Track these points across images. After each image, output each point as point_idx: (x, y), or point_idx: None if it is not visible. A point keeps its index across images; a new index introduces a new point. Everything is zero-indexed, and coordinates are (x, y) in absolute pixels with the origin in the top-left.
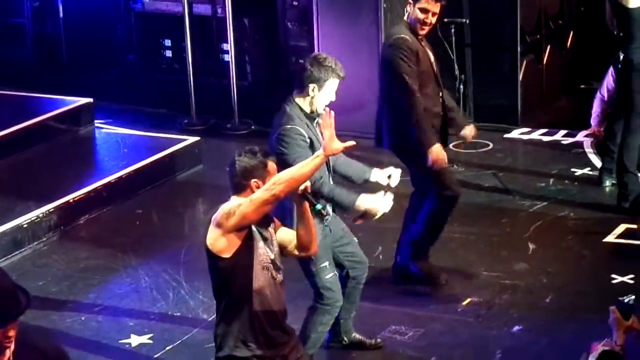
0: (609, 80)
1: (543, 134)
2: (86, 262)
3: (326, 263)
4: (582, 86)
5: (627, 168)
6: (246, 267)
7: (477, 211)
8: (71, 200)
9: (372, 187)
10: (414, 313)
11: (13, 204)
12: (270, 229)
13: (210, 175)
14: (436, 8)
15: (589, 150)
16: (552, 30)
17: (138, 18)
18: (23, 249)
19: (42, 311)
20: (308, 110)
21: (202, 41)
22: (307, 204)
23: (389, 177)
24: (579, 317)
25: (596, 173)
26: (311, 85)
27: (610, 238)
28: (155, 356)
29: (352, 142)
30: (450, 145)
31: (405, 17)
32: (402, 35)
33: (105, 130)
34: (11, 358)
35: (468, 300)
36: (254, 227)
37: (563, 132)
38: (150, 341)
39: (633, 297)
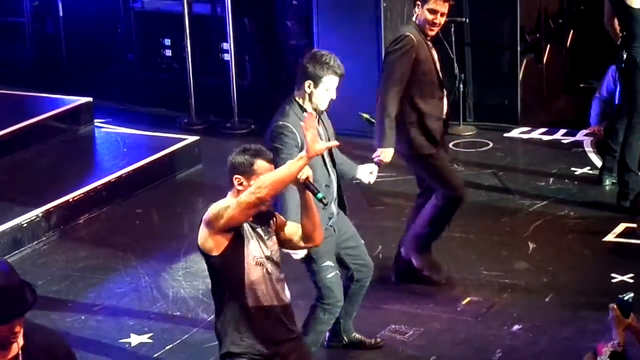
0: (608, 80)
1: (543, 133)
2: (86, 262)
3: (328, 262)
4: (582, 85)
5: (629, 167)
6: (236, 264)
7: (477, 210)
8: (71, 200)
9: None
10: (413, 312)
11: (13, 204)
12: (270, 225)
13: (210, 175)
14: (444, 8)
15: (588, 149)
16: (552, 30)
17: (138, 17)
18: (23, 249)
19: (42, 311)
20: (309, 107)
21: (202, 40)
22: (309, 193)
23: (370, 173)
24: (579, 316)
25: (596, 172)
26: (307, 82)
27: (610, 237)
28: (155, 355)
29: (335, 142)
30: (450, 144)
31: (413, 18)
32: (408, 33)
33: (104, 129)
34: (20, 355)
35: (468, 299)
36: (245, 225)
37: (563, 131)
38: (150, 340)
39: (632, 294)
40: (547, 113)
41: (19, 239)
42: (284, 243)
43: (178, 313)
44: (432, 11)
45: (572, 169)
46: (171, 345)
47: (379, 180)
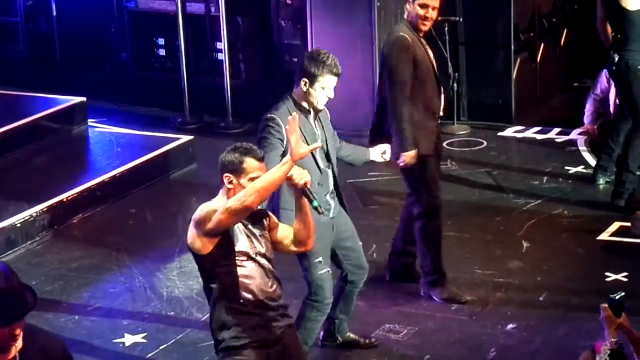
0: (602, 79)
1: (537, 132)
2: (80, 262)
3: (320, 258)
4: (576, 84)
5: (629, 168)
6: (226, 261)
7: (471, 209)
8: (65, 200)
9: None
10: (408, 311)
11: (6, 204)
12: (263, 224)
13: (204, 174)
14: (436, 2)
15: (582, 148)
16: (546, 29)
17: (131, 17)
18: (16, 249)
19: (36, 311)
20: (305, 105)
21: (196, 40)
22: (306, 200)
23: (384, 153)
24: (573, 315)
25: (590, 171)
26: (303, 80)
27: (604, 236)
28: (149, 355)
29: (318, 144)
30: (444, 143)
31: (405, 16)
32: (402, 34)
33: (98, 129)
34: (17, 357)
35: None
36: (237, 229)
37: (557, 130)
38: (144, 340)
39: (623, 293)
40: (541, 112)
41: (12, 239)
42: (275, 245)
43: (172, 313)
44: (423, 5)
45: (566, 167)
46: (165, 345)
47: (373, 179)
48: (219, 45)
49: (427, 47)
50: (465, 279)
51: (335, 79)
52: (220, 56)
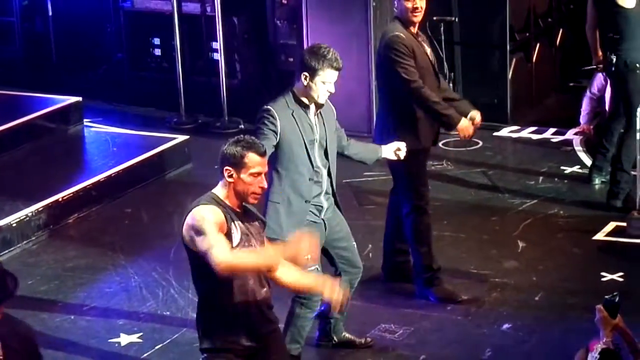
0: (598, 79)
1: (532, 132)
2: (75, 261)
3: (308, 256)
4: (572, 84)
5: (624, 167)
6: None
7: (467, 209)
8: (60, 199)
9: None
10: (403, 311)
11: (2, 203)
12: (259, 227)
13: (199, 174)
14: None
15: (578, 148)
16: (542, 28)
17: (127, 17)
18: (12, 248)
19: (31, 310)
20: (305, 100)
21: (192, 40)
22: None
23: (398, 150)
24: (569, 315)
25: (586, 171)
26: (304, 74)
27: (600, 236)
28: (145, 355)
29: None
30: (440, 144)
31: (396, 14)
32: (396, 33)
33: (94, 129)
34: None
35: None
36: (233, 224)
37: (552, 130)
38: (140, 340)
39: (617, 294)
40: (537, 112)
41: (8, 238)
42: None
43: (168, 312)
44: None
45: (562, 167)
46: (161, 345)
47: (369, 179)
48: (215, 45)
49: (424, 43)
50: (460, 279)
51: (336, 73)
52: (216, 56)
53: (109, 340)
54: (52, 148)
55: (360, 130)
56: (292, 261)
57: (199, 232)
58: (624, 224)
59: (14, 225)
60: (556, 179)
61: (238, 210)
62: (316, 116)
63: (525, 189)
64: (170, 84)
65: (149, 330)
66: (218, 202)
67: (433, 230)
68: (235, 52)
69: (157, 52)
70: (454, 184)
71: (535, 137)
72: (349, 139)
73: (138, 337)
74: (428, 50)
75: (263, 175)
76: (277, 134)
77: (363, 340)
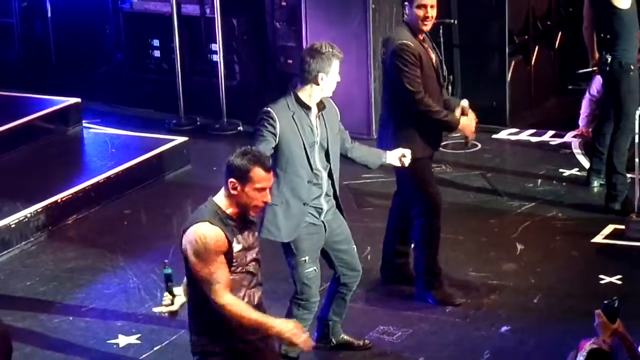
0: (597, 80)
1: (531, 135)
2: (74, 262)
3: (306, 257)
4: (571, 87)
5: (617, 169)
6: None
7: (465, 212)
8: (59, 201)
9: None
10: (402, 313)
11: (1, 204)
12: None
13: (198, 175)
14: (432, 0)
15: (577, 151)
16: (541, 31)
17: (126, 18)
18: (11, 249)
19: (30, 311)
20: (307, 102)
21: (191, 41)
22: None
23: (403, 156)
24: (567, 318)
25: (584, 174)
26: (320, 75)
27: (598, 239)
28: (143, 356)
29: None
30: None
31: (405, 20)
32: (404, 41)
33: (93, 130)
34: None
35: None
36: (235, 240)
37: (551, 132)
38: (138, 341)
39: (616, 299)
40: (536, 114)
41: (7, 239)
42: None
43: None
44: (421, 6)
45: (560, 170)
46: (159, 346)
47: (367, 181)
48: (214, 46)
49: (429, 49)
50: (459, 281)
51: (339, 62)
52: (215, 57)
53: (108, 342)
54: (51, 149)
55: (359, 132)
56: (286, 341)
57: (199, 256)
58: (623, 226)
59: (13, 226)
60: (555, 182)
61: (237, 218)
62: (318, 118)
63: (523, 191)
64: (170, 85)
65: (148, 332)
66: (220, 217)
67: None
68: (235, 53)
69: (156, 53)
70: (452, 186)
71: (534, 139)
72: (354, 142)
73: (136, 339)
74: (433, 56)
75: (267, 190)
76: (276, 136)
77: (361, 342)
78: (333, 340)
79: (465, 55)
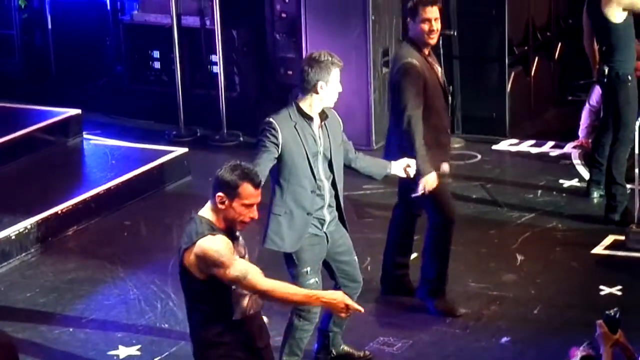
0: (597, 91)
1: (531, 146)
2: (74, 274)
3: (307, 268)
4: (570, 98)
5: (616, 180)
6: (222, 285)
7: (465, 222)
8: (59, 212)
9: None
10: (402, 324)
11: (1, 215)
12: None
13: (198, 187)
14: (436, 13)
15: (577, 161)
16: (540, 42)
17: (126, 30)
18: (11, 260)
19: (30, 323)
20: (308, 112)
21: (191, 53)
22: None
23: (408, 166)
24: (567, 329)
25: (584, 185)
26: (319, 84)
27: (599, 249)
28: None
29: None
30: None
31: (410, 34)
32: (410, 60)
33: (93, 141)
34: None
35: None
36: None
37: (551, 143)
38: (139, 352)
39: (617, 309)
40: (536, 125)
41: (7, 251)
42: None
43: (166, 325)
44: (425, 20)
45: (560, 181)
46: (159, 357)
47: (368, 192)
48: (214, 58)
49: (434, 64)
50: (459, 292)
51: (339, 70)
52: (215, 69)
53: (108, 353)
54: (52, 160)
55: (359, 144)
56: (337, 309)
57: (218, 264)
58: (623, 237)
59: (13, 237)
60: (555, 193)
61: (225, 231)
62: (320, 128)
63: (523, 202)
64: (170, 96)
65: (148, 343)
66: (215, 230)
67: None
68: (235, 65)
69: (157, 65)
70: (452, 197)
71: (533, 150)
72: (358, 152)
73: (137, 350)
74: (439, 70)
75: (255, 207)
76: (278, 147)
77: (362, 354)
78: (333, 351)
79: (465, 67)
